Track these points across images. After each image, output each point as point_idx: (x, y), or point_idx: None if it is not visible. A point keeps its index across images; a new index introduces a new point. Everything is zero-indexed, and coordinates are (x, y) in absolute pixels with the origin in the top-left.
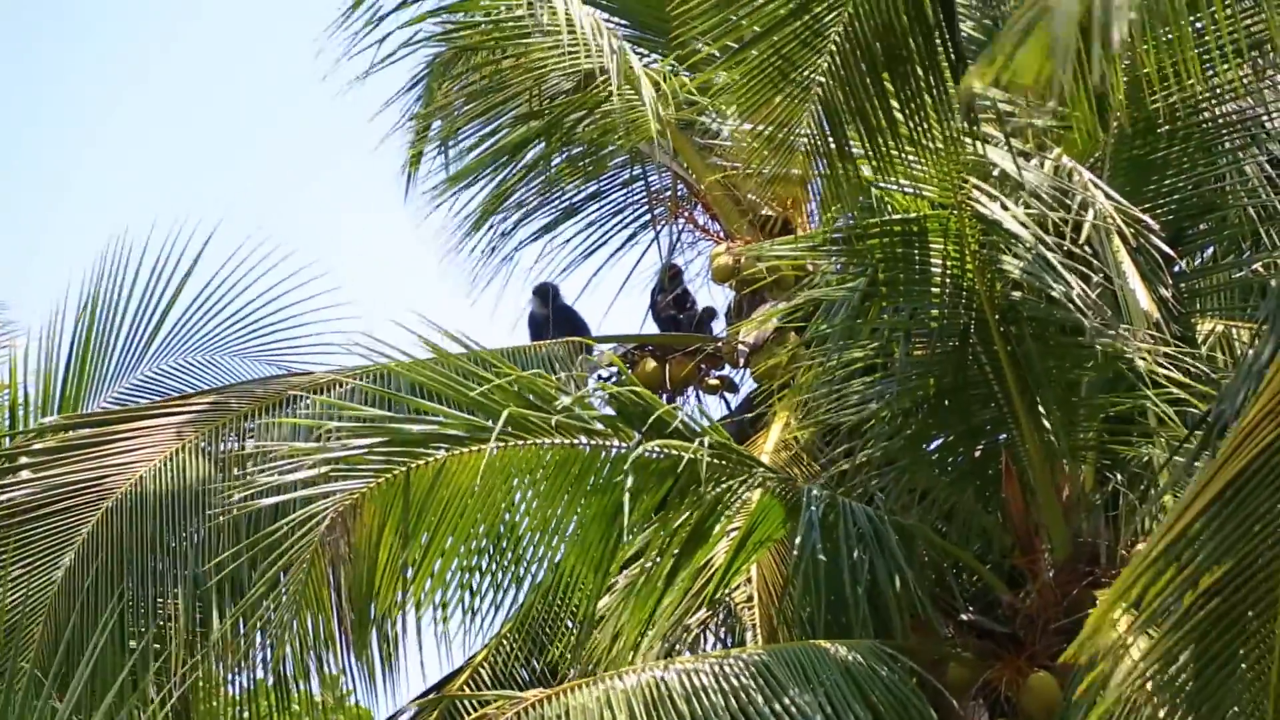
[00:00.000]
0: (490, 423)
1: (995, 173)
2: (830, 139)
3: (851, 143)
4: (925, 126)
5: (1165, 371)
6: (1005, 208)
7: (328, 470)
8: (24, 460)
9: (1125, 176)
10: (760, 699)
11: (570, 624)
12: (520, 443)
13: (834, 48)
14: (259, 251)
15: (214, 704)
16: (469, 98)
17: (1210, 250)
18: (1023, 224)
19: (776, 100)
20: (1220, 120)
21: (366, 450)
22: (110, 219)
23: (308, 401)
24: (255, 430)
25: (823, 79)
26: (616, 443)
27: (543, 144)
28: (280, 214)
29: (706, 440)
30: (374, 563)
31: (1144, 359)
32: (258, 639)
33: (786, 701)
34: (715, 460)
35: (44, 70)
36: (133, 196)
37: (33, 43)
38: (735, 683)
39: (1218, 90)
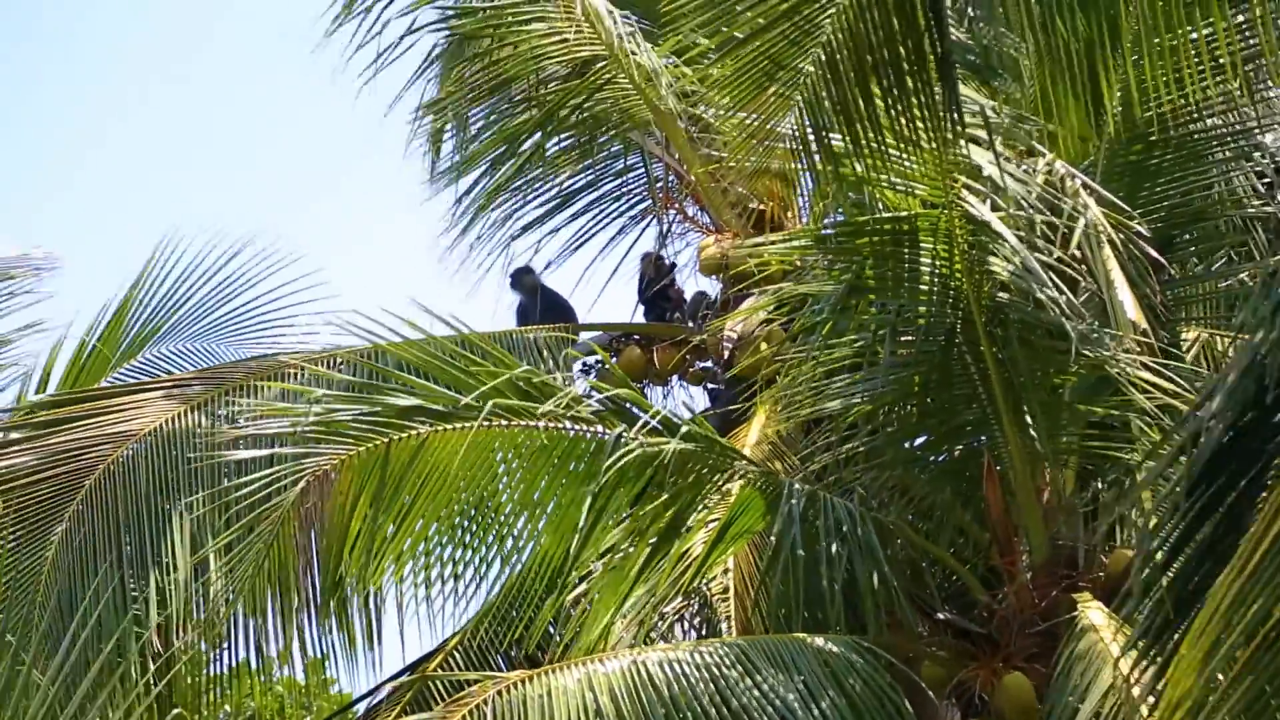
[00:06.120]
0: (477, 401)
1: (985, 174)
2: (819, 135)
3: (842, 140)
4: (916, 126)
5: (1147, 378)
6: (995, 209)
7: (310, 433)
8: (21, 432)
9: (1117, 183)
10: (740, 682)
11: (542, 609)
12: (505, 424)
13: (825, 47)
14: (259, 247)
15: (195, 680)
16: (472, 88)
17: (1197, 259)
18: (1011, 228)
19: (767, 95)
20: (1212, 131)
21: (350, 418)
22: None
23: (296, 374)
24: (244, 403)
25: (813, 75)
26: (601, 429)
27: (539, 134)
28: (287, 212)
29: (683, 431)
30: (345, 530)
31: (1125, 367)
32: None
33: (765, 685)
34: (694, 452)
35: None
36: (143, 190)
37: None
38: (715, 671)
39: (1211, 102)
